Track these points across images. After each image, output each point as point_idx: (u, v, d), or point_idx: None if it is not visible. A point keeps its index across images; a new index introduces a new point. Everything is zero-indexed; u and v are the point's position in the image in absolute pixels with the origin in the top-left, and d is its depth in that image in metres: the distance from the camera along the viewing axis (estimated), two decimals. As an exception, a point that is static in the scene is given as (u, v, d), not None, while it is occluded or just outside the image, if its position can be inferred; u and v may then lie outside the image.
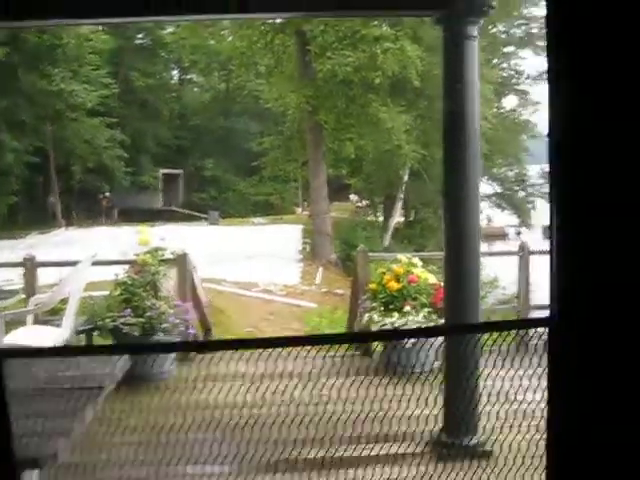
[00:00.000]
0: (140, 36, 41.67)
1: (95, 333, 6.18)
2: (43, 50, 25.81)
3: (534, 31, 24.92)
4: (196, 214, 38.06)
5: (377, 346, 6.34)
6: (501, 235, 30.73)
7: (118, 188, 36.17)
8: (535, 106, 26.35)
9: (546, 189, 27.88)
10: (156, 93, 40.58)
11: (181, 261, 6.63)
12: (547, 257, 1.37)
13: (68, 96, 26.66)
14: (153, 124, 40.26)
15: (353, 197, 37.26)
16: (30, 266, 6.43)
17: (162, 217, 35.71)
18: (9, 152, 23.55)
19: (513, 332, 4.97)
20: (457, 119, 3.83)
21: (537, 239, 37.91)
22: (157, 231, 16.59)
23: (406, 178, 23.53)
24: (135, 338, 5.64)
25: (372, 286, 5.93)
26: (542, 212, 33.52)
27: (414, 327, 5.54)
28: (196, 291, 7.03)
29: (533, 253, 7.09)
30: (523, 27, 24.94)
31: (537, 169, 28.56)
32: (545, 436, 1.34)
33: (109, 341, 6.27)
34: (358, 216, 32.77)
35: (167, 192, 42.72)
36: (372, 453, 4.47)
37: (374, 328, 5.88)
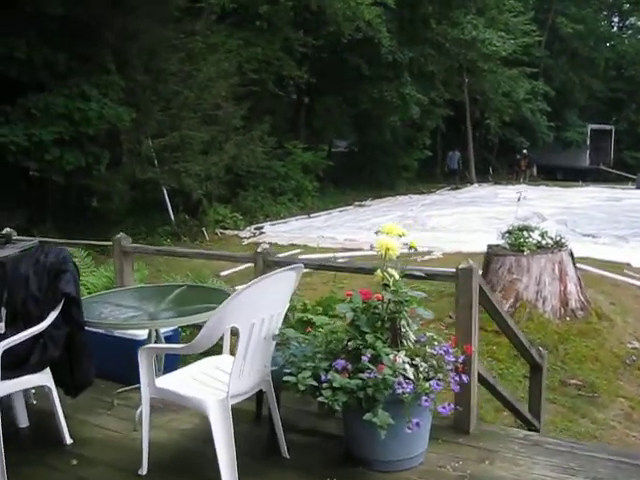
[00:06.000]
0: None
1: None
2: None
3: None
4: (625, 175, 34.09)
5: None
6: None
7: (539, 144, 33.99)
8: None
9: None
10: (587, 41, 36.98)
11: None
12: None
13: (481, 45, 25.10)
14: (583, 75, 37.03)
15: None
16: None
17: (588, 177, 33.24)
18: (414, 105, 22.93)
19: None
20: None
21: None
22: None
23: None
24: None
25: None
26: None
27: None
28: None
29: None
30: None
31: None
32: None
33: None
34: None
35: (595, 150, 39.29)
36: None
37: None
